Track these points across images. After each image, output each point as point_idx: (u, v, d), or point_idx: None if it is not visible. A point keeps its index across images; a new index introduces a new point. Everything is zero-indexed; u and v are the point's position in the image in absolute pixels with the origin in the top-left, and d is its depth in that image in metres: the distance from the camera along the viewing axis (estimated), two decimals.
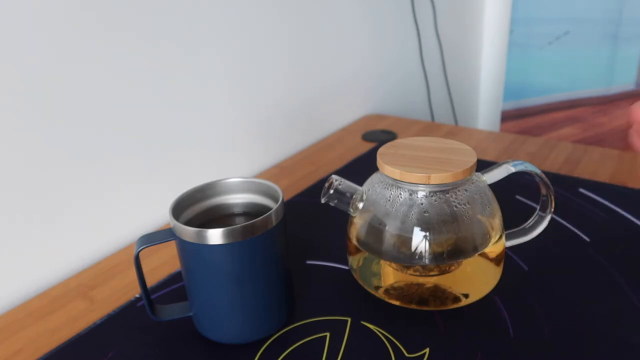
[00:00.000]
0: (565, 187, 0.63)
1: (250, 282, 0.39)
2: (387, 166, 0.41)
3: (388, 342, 0.41)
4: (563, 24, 1.22)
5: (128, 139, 0.57)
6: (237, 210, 0.44)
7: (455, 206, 0.42)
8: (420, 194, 0.42)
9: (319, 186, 0.67)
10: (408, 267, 0.43)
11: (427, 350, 0.40)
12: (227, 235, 0.36)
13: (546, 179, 0.45)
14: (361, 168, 0.72)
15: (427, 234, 0.41)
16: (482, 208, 0.43)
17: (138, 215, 0.60)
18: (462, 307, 0.44)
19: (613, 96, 1.23)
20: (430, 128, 0.87)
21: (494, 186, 0.44)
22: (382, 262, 0.45)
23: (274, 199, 0.42)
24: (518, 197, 0.61)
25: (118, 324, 0.45)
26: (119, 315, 0.46)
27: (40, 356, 0.42)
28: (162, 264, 0.54)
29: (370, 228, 0.44)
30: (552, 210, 0.46)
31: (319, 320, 0.44)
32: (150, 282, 0.50)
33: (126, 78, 0.56)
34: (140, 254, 0.39)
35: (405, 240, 0.42)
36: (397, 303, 0.44)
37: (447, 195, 0.42)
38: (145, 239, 0.39)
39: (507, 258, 0.50)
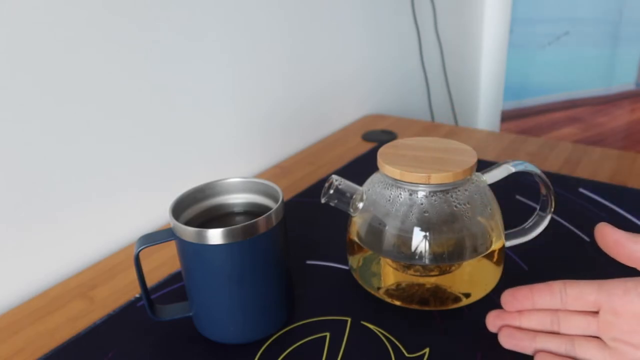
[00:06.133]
0: (565, 187, 0.63)
1: (250, 282, 0.39)
2: (387, 166, 0.41)
3: (388, 342, 0.41)
4: (563, 24, 1.22)
5: (128, 139, 0.57)
6: (237, 210, 0.44)
7: (455, 206, 0.42)
8: (420, 194, 0.42)
9: (319, 186, 0.67)
10: (408, 267, 0.43)
11: (427, 350, 0.40)
12: (227, 235, 0.36)
13: (546, 179, 0.45)
14: (361, 168, 0.72)
15: (427, 234, 0.41)
16: (482, 208, 0.43)
17: (138, 215, 0.60)
18: (462, 307, 0.44)
19: (613, 96, 1.23)
20: (430, 128, 0.87)
21: (494, 186, 0.44)
22: (382, 262, 0.45)
23: (274, 199, 0.42)
24: (518, 197, 0.61)
25: (118, 324, 0.45)
26: (119, 315, 0.46)
27: (40, 356, 0.42)
28: (162, 264, 0.54)
29: (370, 228, 0.44)
30: (552, 210, 0.46)
31: (319, 320, 0.44)
32: (150, 282, 0.50)
33: (126, 78, 0.56)
34: (140, 254, 0.39)
35: (405, 240, 0.42)
36: (397, 303, 0.44)
37: (447, 195, 0.42)
38: (145, 239, 0.39)
39: (507, 258, 0.50)
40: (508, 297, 0.39)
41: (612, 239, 0.35)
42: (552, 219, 0.55)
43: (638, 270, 0.36)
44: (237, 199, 0.44)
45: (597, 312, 0.36)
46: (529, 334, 0.38)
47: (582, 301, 0.36)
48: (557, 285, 0.37)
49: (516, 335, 0.38)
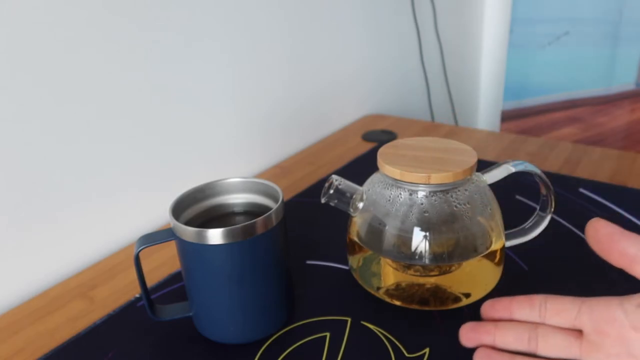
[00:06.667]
0: (565, 187, 0.63)
1: (250, 282, 0.39)
2: (387, 166, 0.41)
3: (388, 342, 0.41)
4: (563, 24, 1.22)
5: (128, 139, 0.57)
6: (237, 210, 0.44)
7: (455, 206, 0.42)
8: (420, 194, 0.42)
9: (319, 186, 0.67)
10: (408, 267, 0.43)
11: (427, 350, 0.40)
12: (227, 235, 0.36)
13: (546, 179, 0.45)
14: (361, 168, 0.72)
15: (427, 234, 0.41)
16: (482, 208, 0.43)
17: (138, 215, 0.60)
18: (462, 307, 0.44)
19: (613, 96, 1.23)
20: (430, 128, 0.87)
21: (494, 186, 0.44)
22: (383, 262, 0.45)
23: (274, 199, 0.42)
24: (518, 197, 0.61)
25: (118, 324, 0.45)
26: (119, 315, 0.46)
27: (40, 356, 0.42)
28: (162, 264, 0.54)
29: (371, 228, 0.44)
30: (552, 210, 0.46)
31: (319, 320, 0.44)
32: (150, 282, 0.50)
33: (126, 78, 0.56)
34: (140, 254, 0.39)
35: (405, 240, 0.42)
36: (398, 303, 0.44)
37: (447, 195, 0.42)
38: (145, 239, 0.39)
39: (507, 258, 0.50)
40: (486, 307, 0.37)
41: (604, 232, 0.32)
42: (552, 219, 0.55)
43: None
44: (237, 199, 0.44)
45: (580, 333, 0.33)
46: (505, 356, 0.35)
47: (562, 316, 0.33)
48: (538, 299, 0.35)
49: (493, 356, 0.35)
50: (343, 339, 0.42)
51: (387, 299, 0.45)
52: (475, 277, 0.44)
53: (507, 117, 1.35)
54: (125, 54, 0.55)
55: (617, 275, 0.47)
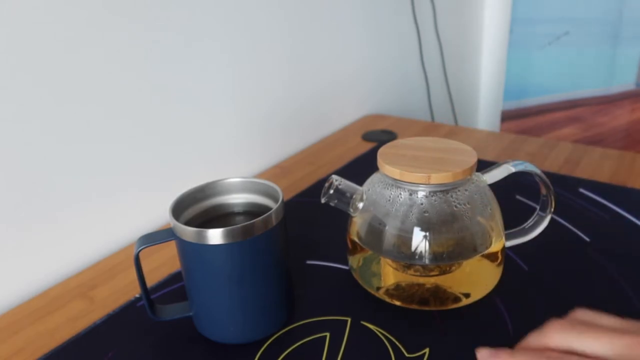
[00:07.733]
0: (565, 187, 0.63)
1: (250, 282, 0.39)
2: (387, 166, 0.41)
3: (388, 342, 0.41)
4: (563, 24, 1.22)
5: (128, 139, 0.57)
6: (237, 210, 0.44)
7: (455, 206, 0.42)
8: (420, 194, 0.42)
9: (319, 186, 0.67)
10: (408, 267, 0.43)
11: (427, 350, 0.40)
12: (227, 235, 0.36)
13: (546, 179, 0.45)
14: (361, 168, 0.72)
15: (427, 234, 0.41)
16: (482, 208, 0.43)
17: (138, 215, 0.60)
18: (462, 307, 0.44)
19: (613, 96, 1.23)
20: (430, 128, 0.87)
21: (494, 186, 0.44)
22: (383, 262, 0.45)
23: (274, 199, 0.42)
24: (518, 197, 0.61)
25: (118, 324, 0.45)
26: (119, 315, 0.46)
27: (40, 356, 0.42)
28: (162, 264, 0.54)
29: (370, 228, 0.44)
30: (552, 210, 0.46)
31: (319, 320, 0.44)
32: (150, 282, 0.50)
33: (126, 78, 0.56)
34: (140, 254, 0.39)
35: (405, 240, 0.42)
36: (397, 303, 0.44)
37: (447, 195, 0.42)
38: (145, 239, 0.39)
39: (507, 258, 0.50)
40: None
41: None
42: (552, 219, 0.56)
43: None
44: (237, 199, 0.44)
45: None
46: None
47: None
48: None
49: None
50: (343, 339, 0.42)
51: (387, 299, 0.45)
52: (475, 277, 0.44)
53: (507, 117, 1.35)
54: (125, 54, 0.55)
55: (616, 274, 0.47)
